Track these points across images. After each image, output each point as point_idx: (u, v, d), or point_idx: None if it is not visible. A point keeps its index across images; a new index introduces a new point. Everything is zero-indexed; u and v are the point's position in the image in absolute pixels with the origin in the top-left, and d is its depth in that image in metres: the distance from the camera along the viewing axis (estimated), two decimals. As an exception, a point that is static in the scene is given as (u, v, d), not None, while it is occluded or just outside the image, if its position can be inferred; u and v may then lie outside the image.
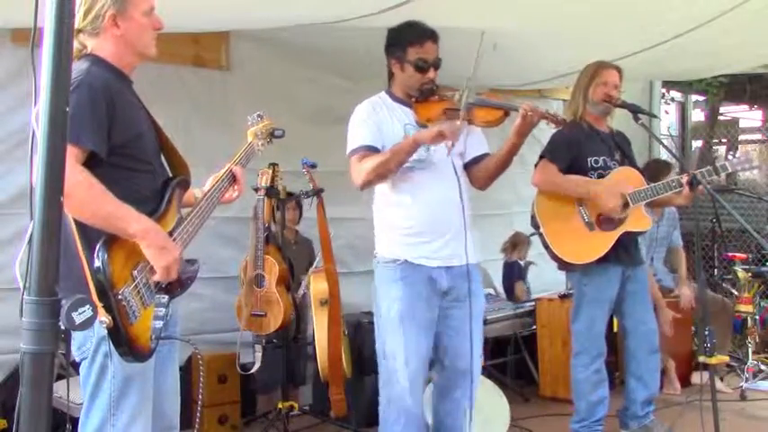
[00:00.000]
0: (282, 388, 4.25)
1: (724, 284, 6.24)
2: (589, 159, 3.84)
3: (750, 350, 5.42)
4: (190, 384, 3.80)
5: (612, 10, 3.98)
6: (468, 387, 3.19)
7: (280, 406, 4.13)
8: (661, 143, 4.52)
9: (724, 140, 10.13)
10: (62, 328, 1.46)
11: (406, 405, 3.08)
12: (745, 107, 11.11)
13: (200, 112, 4.64)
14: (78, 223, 2.00)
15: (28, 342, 1.42)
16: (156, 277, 2.10)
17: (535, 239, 4.75)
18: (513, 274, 5.87)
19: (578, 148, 3.84)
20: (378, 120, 3.14)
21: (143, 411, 2.20)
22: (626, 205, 3.77)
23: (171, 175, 2.38)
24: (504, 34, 4.12)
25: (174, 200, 2.29)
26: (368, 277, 5.08)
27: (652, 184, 3.79)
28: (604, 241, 3.75)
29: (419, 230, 3.10)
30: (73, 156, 1.92)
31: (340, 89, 5.08)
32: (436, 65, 3.15)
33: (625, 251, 3.84)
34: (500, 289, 5.84)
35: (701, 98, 10.38)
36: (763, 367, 5.46)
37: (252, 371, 4.08)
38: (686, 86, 9.33)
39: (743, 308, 5.58)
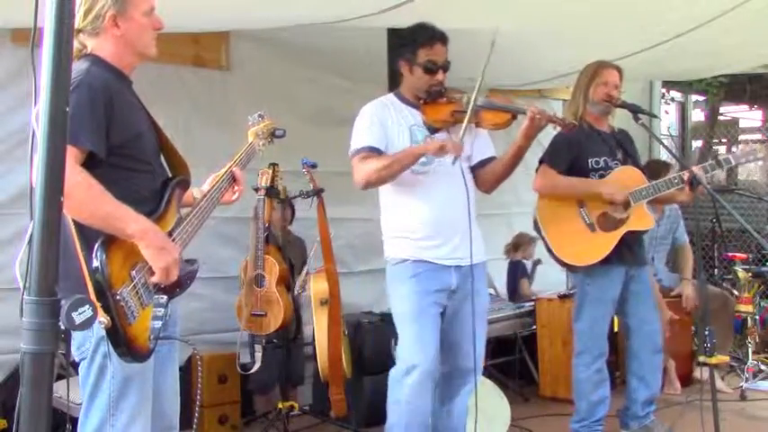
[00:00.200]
0: (282, 388, 4.25)
1: (724, 284, 6.23)
2: (590, 160, 3.84)
3: (750, 350, 5.41)
4: (189, 384, 3.79)
5: (612, 10, 3.98)
6: (472, 386, 3.20)
7: (280, 406, 4.13)
8: (661, 143, 4.52)
9: (724, 140, 10.13)
10: (62, 328, 1.46)
11: (413, 404, 3.09)
12: (745, 107, 11.11)
13: (200, 112, 4.64)
14: (77, 223, 2.00)
15: (28, 342, 1.42)
16: (155, 278, 2.10)
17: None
18: (518, 272, 5.89)
19: (578, 150, 3.84)
20: (384, 121, 3.16)
21: (142, 411, 2.20)
22: (627, 204, 3.77)
23: (170, 175, 2.38)
24: (504, 34, 4.10)
25: (174, 200, 2.29)
26: (368, 277, 5.13)
27: (653, 182, 3.78)
28: (606, 242, 3.74)
29: (428, 234, 3.14)
30: (72, 156, 1.92)
31: (340, 89, 5.08)
32: (445, 67, 3.18)
33: (629, 251, 3.83)
34: (501, 289, 5.84)
35: (701, 98, 10.38)
36: (763, 367, 5.46)
37: (252, 371, 4.08)
38: (686, 86, 9.33)
39: (743, 308, 5.57)
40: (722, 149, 10.19)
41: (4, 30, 3.88)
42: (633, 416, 4.02)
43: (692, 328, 5.40)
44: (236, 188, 2.51)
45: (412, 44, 3.16)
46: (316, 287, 4.18)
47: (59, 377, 2.18)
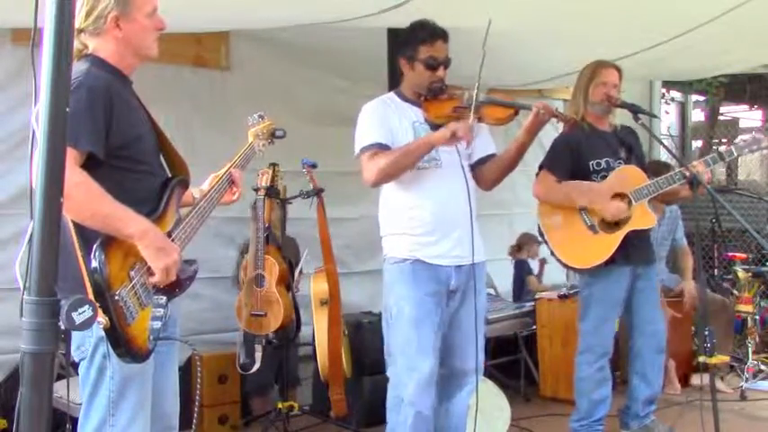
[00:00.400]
0: (281, 388, 4.25)
1: (724, 284, 6.23)
2: (591, 163, 3.83)
3: (750, 350, 5.41)
4: (189, 385, 3.80)
5: (612, 10, 3.98)
6: (472, 387, 3.20)
7: (279, 406, 4.13)
8: (661, 143, 4.52)
9: (724, 140, 10.13)
10: (62, 328, 1.46)
11: (416, 406, 3.08)
12: (745, 107, 11.12)
13: (200, 112, 4.64)
14: (76, 224, 2.00)
15: (28, 342, 1.42)
16: (155, 279, 2.10)
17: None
18: (523, 272, 5.90)
19: (578, 153, 3.84)
20: (387, 118, 3.16)
21: (142, 412, 2.20)
22: (629, 203, 3.76)
23: (170, 175, 2.38)
24: (503, 34, 4.11)
25: (173, 200, 2.29)
26: (368, 277, 5.13)
27: (653, 180, 3.77)
28: (609, 243, 3.73)
29: (429, 230, 3.12)
30: (71, 158, 1.91)
31: (340, 89, 5.08)
32: (446, 63, 3.18)
33: (636, 249, 3.82)
34: (501, 289, 5.84)
35: (701, 98, 10.39)
36: (763, 367, 5.46)
37: (252, 371, 4.08)
38: (686, 86, 9.34)
39: (743, 308, 5.58)
40: (722, 149, 10.18)
41: (4, 30, 3.89)
42: (634, 415, 4.01)
43: (692, 328, 5.40)
44: (234, 189, 2.51)
45: (413, 41, 3.16)
46: (316, 287, 4.18)
47: (59, 377, 2.18)
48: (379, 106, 3.20)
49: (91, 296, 1.93)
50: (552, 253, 3.89)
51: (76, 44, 2.16)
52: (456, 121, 3.13)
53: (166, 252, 2.10)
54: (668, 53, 4.86)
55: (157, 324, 2.10)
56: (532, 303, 5.37)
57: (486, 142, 3.31)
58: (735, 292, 5.77)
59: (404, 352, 3.10)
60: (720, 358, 3.64)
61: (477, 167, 3.28)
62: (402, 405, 3.10)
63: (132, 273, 2.06)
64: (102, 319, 1.91)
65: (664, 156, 7.06)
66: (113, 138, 2.12)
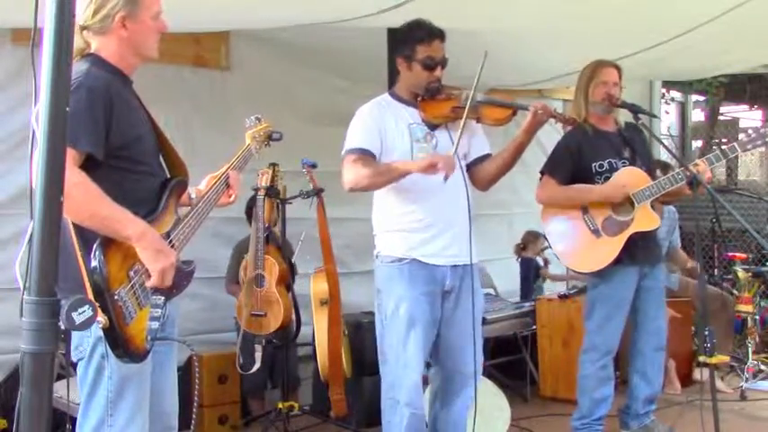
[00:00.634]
0: (282, 388, 4.25)
1: (724, 284, 6.23)
2: (593, 165, 3.83)
3: (750, 350, 5.41)
4: (189, 385, 3.79)
5: (612, 10, 3.98)
6: (473, 388, 3.18)
7: (279, 406, 4.13)
8: (661, 143, 4.51)
9: (724, 140, 10.13)
10: (62, 328, 1.46)
11: (411, 407, 3.08)
12: (745, 107, 11.12)
13: (200, 112, 4.64)
14: (76, 224, 2.00)
15: (28, 342, 1.42)
16: (152, 282, 2.09)
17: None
18: (530, 270, 5.89)
19: (580, 156, 3.84)
20: (381, 122, 3.14)
21: (140, 412, 2.20)
22: (631, 205, 3.75)
23: (169, 176, 2.38)
24: (504, 34, 4.12)
25: (172, 201, 2.29)
26: (368, 277, 5.08)
27: (656, 180, 3.77)
28: (613, 246, 3.73)
29: (424, 227, 3.10)
30: (70, 158, 1.91)
31: (340, 89, 5.08)
32: (443, 63, 3.17)
33: (642, 250, 3.81)
34: (501, 289, 5.84)
35: (701, 98, 10.40)
36: (763, 367, 5.46)
37: (251, 371, 4.08)
38: (686, 86, 9.34)
39: (743, 308, 5.57)
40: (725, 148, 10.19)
41: (4, 30, 3.89)
42: (634, 414, 4.01)
43: (692, 327, 5.40)
44: (230, 192, 2.51)
45: (410, 41, 3.15)
46: (316, 287, 4.18)
47: (59, 377, 2.18)
48: (374, 109, 3.18)
49: (90, 296, 1.93)
50: (558, 258, 3.92)
51: (79, 41, 2.16)
52: (454, 121, 3.12)
53: (164, 255, 2.10)
54: (668, 53, 4.86)
55: (155, 324, 2.10)
56: (532, 303, 5.38)
57: (482, 142, 3.30)
58: (735, 292, 5.77)
59: (399, 352, 3.10)
60: (720, 358, 3.63)
61: (472, 168, 3.27)
62: (398, 406, 3.09)
63: (131, 273, 2.06)
64: (101, 318, 1.91)
65: (664, 156, 7.05)
66: (113, 138, 2.12)
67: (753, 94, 9.91)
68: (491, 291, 5.57)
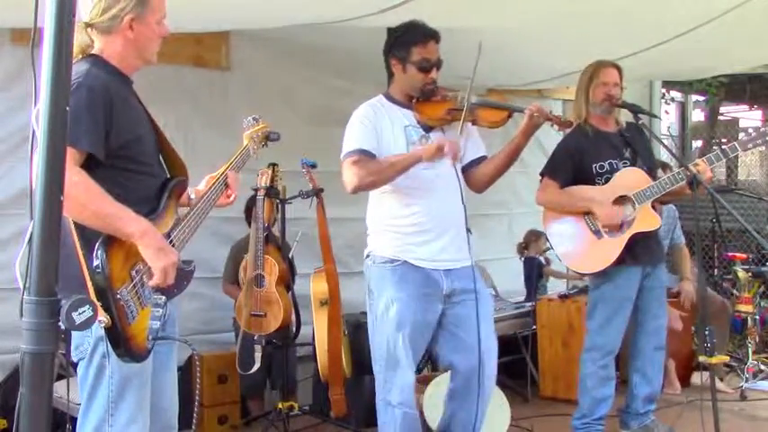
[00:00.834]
0: (281, 388, 4.25)
1: (724, 284, 6.24)
2: (594, 166, 3.83)
3: (750, 350, 5.41)
4: (189, 384, 3.80)
5: (612, 10, 3.98)
6: (488, 389, 3.15)
7: (280, 406, 4.13)
8: (661, 143, 4.50)
9: (724, 140, 10.13)
10: (62, 328, 1.46)
11: (404, 407, 3.07)
12: (745, 107, 11.13)
13: (200, 112, 4.64)
14: (77, 223, 2.01)
15: (28, 342, 1.42)
16: (154, 281, 2.10)
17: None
18: (533, 269, 5.88)
19: (580, 157, 3.84)
20: (377, 124, 3.13)
21: (141, 412, 2.20)
22: (633, 206, 3.75)
23: (169, 175, 2.38)
24: (504, 34, 4.12)
25: (172, 201, 2.29)
26: (368, 277, 5.11)
27: (655, 181, 3.77)
28: (614, 247, 3.74)
29: (419, 230, 3.10)
30: (71, 158, 1.91)
31: (340, 89, 5.08)
32: (438, 65, 3.15)
33: (644, 250, 3.82)
34: (501, 289, 5.84)
35: (701, 98, 10.40)
36: (763, 367, 5.46)
37: (251, 371, 4.07)
38: (686, 86, 9.35)
39: (743, 308, 5.57)
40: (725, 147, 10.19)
41: (4, 30, 3.89)
42: (634, 413, 4.01)
43: (692, 328, 5.40)
44: (229, 192, 2.51)
45: (405, 43, 3.13)
46: (316, 287, 4.18)
47: (59, 377, 2.18)
48: (370, 111, 3.16)
49: (93, 295, 1.93)
50: (560, 259, 3.93)
51: (84, 38, 2.17)
52: (450, 123, 3.12)
53: (165, 253, 2.10)
54: (668, 53, 4.85)
55: (156, 324, 2.10)
56: (532, 303, 5.38)
57: (477, 145, 3.29)
58: (735, 292, 5.77)
59: (389, 353, 3.09)
60: (720, 358, 3.63)
61: (467, 170, 3.24)
62: (390, 407, 3.09)
63: (133, 272, 2.07)
64: (103, 318, 1.92)
65: (664, 156, 7.05)
66: (113, 138, 2.12)
67: (753, 94, 9.92)
68: (491, 291, 5.57)
